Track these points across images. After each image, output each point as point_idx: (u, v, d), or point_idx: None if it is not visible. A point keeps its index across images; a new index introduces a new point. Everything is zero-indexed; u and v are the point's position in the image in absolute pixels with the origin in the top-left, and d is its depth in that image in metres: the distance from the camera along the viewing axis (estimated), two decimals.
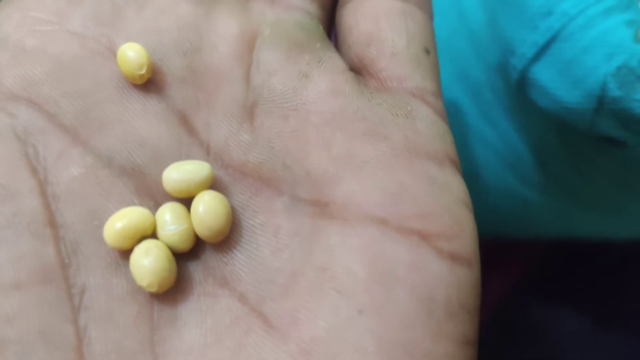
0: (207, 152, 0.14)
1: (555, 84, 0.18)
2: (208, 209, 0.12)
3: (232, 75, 0.14)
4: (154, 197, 0.13)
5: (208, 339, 0.12)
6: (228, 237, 0.13)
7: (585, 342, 0.29)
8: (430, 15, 0.16)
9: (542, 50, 0.19)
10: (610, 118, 0.18)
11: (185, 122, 0.14)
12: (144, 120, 0.13)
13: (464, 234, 0.13)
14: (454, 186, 0.13)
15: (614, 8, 0.18)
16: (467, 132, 0.25)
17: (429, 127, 0.14)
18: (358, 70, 0.15)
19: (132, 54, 0.13)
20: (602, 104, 0.18)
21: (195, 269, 0.13)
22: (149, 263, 0.12)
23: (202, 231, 0.12)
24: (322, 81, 0.14)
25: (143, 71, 0.13)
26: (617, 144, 0.19)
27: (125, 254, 0.13)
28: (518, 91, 0.20)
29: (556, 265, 0.30)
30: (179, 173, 0.13)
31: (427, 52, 0.15)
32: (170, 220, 0.13)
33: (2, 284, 0.11)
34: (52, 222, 0.12)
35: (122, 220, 0.12)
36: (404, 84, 0.14)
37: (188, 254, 0.13)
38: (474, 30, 0.23)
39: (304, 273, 0.12)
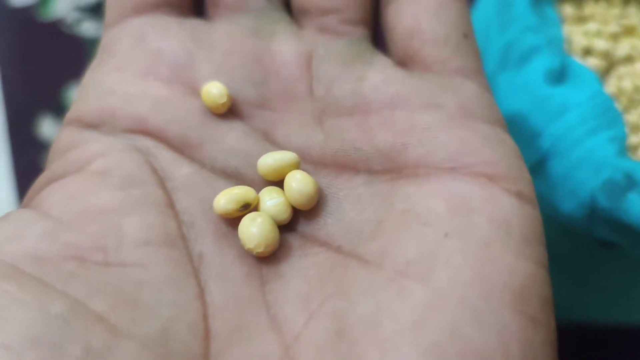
0: None
1: (553, 195, 0.21)
2: (299, 181, 0.15)
3: (298, 93, 0.17)
4: (254, 187, 0.15)
5: (312, 283, 0.14)
6: (318, 209, 0.15)
7: None
8: (465, 3, 0.17)
9: (537, 166, 0.21)
10: (603, 225, 0.20)
11: (267, 137, 0.16)
12: (233, 137, 0.16)
13: (524, 178, 0.14)
14: (508, 141, 0.15)
15: (598, 127, 0.20)
16: None
17: (477, 98, 0.15)
18: (405, 63, 0.17)
19: (214, 89, 0.16)
20: (594, 213, 0.20)
21: (294, 238, 0.15)
22: (255, 229, 0.14)
23: (296, 199, 0.15)
24: (376, 76, 0.16)
25: (224, 100, 0.16)
26: (613, 246, 0.21)
27: (234, 226, 0.15)
28: None
29: (566, 353, 0.31)
30: (272, 159, 0.15)
31: (466, 36, 0.16)
32: (269, 197, 0.15)
33: (135, 240, 0.14)
34: (172, 206, 0.15)
35: (230, 191, 0.15)
36: (448, 65, 0.16)
37: (286, 227, 0.15)
38: None
39: (388, 218, 0.14)
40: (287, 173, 0.15)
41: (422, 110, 0.15)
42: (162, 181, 0.15)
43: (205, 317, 0.13)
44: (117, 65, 0.17)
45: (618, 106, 0.22)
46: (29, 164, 0.34)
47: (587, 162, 0.20)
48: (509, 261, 0.13)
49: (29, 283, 0.12)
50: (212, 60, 0.17)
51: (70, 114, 0.17)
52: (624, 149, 0.21)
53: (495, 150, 0.14)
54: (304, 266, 0.14)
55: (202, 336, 0.13)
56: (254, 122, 0.16)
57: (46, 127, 0.36)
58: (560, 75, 0.21)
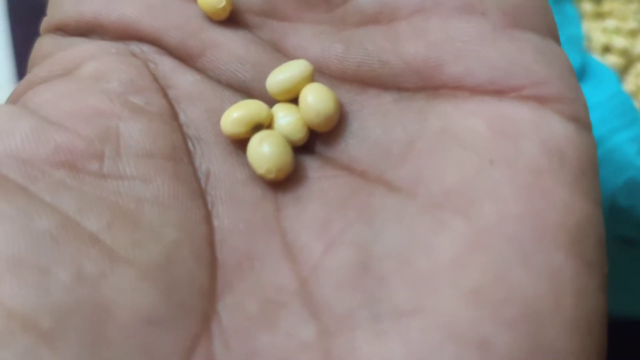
0: None
1: None
2: (316, 98, 0.13)
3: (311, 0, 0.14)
4: (265, 102, 0.14)
5: (331, 208, 0.12)
6: (339, 128, 0.13)
7: None
8: None
9: None
10: (623, 223, 0.20)
11: (277, 47, 0.14)
12: (239, 44, 0.14)
13: (580, 99, 0.12)
14: (562, 56, 0.13)
15: (619, 127, 0.20)
16: None
17: (526, 2, 0.13)
18: None
19: None
20: (615, 211, 0.20)
21: (312, 159, 0.13)
22: (266, 149, 0.12)
23: (312, 119, 0.13)
24: None
25: (224, 3, 0.14)
26: (634, 243, 0.21)
27: (243, 146, 0.13)
28: None
29: None
30: (282, 75, 0.13)
31: None
32: (283, 114, 0.13)
33: (136, 149, 0.12)
34: (176, 117, 0.13)
35: (240, 109, 0.13)
36: None
37: (303, 148, 0.13)
38: None
39: (421, 138, 0.12)
40: (301, 89, 0.13)
41: (461, 18, 0.13)
42: (164, 89, 0.13)
43: (212, 244, 0.12)
44: None
45: (637, 104, 0.22)
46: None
47: (608, 162, 0.20)
48: (563, 196, 0.11)
49: (12, 191, 0.11)
50: None
51: (46, 21, 0.15)
52: None
53: (548, 68, 0.12)
54: (323, 189, 0.12)
55: (208, 264, 0.12)
56: (260, 32, 0.14)
57: None
58: (580, 74, 0.22)
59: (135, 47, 0.14)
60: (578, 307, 0.10)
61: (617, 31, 0.25)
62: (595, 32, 0.24)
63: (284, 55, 0.14)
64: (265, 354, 0.11)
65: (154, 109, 0.13)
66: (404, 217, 0.11)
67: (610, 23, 0.25)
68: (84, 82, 0.13)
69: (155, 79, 0.13)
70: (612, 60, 0.23)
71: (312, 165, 0.13)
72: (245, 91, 0.14)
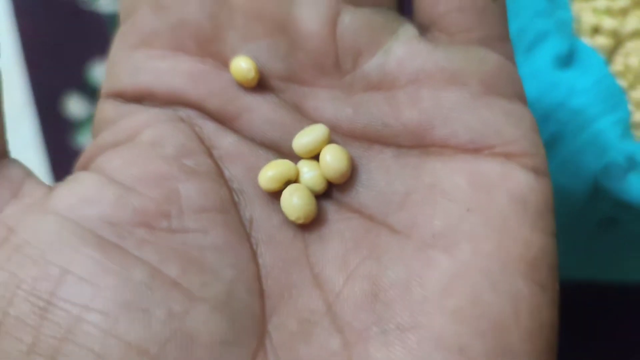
0: None
1: (558, 177, 0.22)
2: (333, 158, 0.15)
3: (326, 66, 0.17)
4: (291, 159, 0.16)
5: (348, 245, 0.15)
6: (351, 179, 0.16)
7: None
8: None
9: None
10: (605, 203, 0.21)
11: (298, 109, 0.17)
12: (267, 109, 0.16)
13: (540, 153, 0.15)
14: (526, 116, 0.16)
15: (603, 111, 0.21)
16: None
17: (499, 70, 0.16)
18: (429, 28, 0.17)
19: (243, 64, 0.16)
20: (597, 192, 0.21)
21: (331, 204, 0.16)
22: (295, 201, 0.15)
23: (330, 174, 0.16)
24: (401, 50, 0.16)
25: (253, 74, 0.16)
26: (615, 221, 0.22)
27: (276, 196, 0.16)
28: None
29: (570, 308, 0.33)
30: (305, 137, 0.16)
31: (494, 0, 0.16)
32: (307, 169, 0.16)
33: (194, 206, 0.15)
34: (222, 174, 0.16)
35: (273, 169, 0.16)
36: (472, 34, 0.16)
37: (323, 195, 0.16)
38: None
39: (416, 191, 0.15)
40: (321, 149, 0.16)
41: (446, 88, 0.16)
42: (209, 150, 0.16)
43: (259, 277, 0.15)
44: (142, 40, 0.17)
45: (624, 83, 0.23)
46: (60, 142, 0.36)
47: (592, 146, 0.21)
48: (524, 234, 0.14)
49: (110, 250, 0.13)
50: (236, 27, 0.17)
51: (106, 89, 0.17)
52: (628, 129, 0.22)
53: (515, 128, 0.15)
54: (341, 229, 0.15)
55: (258, 295, 0.15)
56: (284, 95, 0.17)
57: (73, 106, 0.37)
58: (568, 59, 0.22)
59: (182, 112, 0.16)
60: (533, 319, 0.14)
61: (608, 11, 0.25)
62: (586, 13, 0.25)
63: (304, 116, 0.17)
64: None
65: (203, 168, 0.15)
66: (403, 255, 0.14)
67: (600, 3, 0.25)
68: (144, 148, 0.16)
69: (201, 141, 0.16)
70: (600, 41, 0.24)
71: (330, 209, 0.16)
72: (275, 149, 0.16)
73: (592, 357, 0.32)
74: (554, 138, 0.22)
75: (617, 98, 0.22)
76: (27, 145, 0.37)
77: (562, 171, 0.22)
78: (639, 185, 0.20)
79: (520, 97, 0.16)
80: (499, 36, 0.16)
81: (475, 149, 0.15)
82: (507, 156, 0.15)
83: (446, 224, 0.14)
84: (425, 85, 0.16)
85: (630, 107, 0.23)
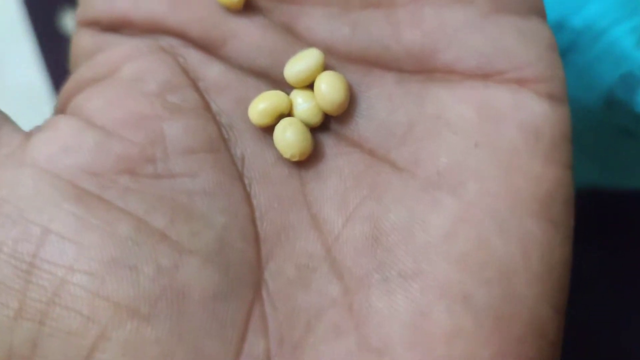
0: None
1: (572, 87, 0.21)
2: (329, 87, 0.14)
3: None
4: (284, 87, 0.15)
5: (347, 183, 0.14)
6: (350, 108, 0.15)
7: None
8: None
9: None
10: (620, 115, 0.21)
11: (289, 30, 0.15)
12: (256, 32, 0.15)
13: (557, 76, 0.14)
14: (543, 34, 0.14)
15: (619, 19, 0.20)
16: None
17: None
18: None
19: None
20: (612, 104, 0.21)
21: (328, 137, 0.15)
22: (289, 137, 0.14)
23: (327, 105, 0.15)
24: None
25: None
26: (631, 134, 0.22)
27: (269, 130, 0.15)
28: None
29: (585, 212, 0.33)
30: (297, 65, 0.15)
31: None
32: (301, 100, 0.15)
33: (180, 147, 0.14)
34: (209, 108, 0.15)
35: (264, 101, 0.15)
36: None
37: (320, 128, 0.15)
38: None
39: (419, 122, 0.14)
40: (315, 76, 0.15)
41: (451, 6, 0.14)
42: (195, 82, 0.15)
43: (253, 221, 0.14)
44: None
45: None
46: (57, 59, 0.35)
47: (607, 56, 0.20)
48: (536, 169, 0.13)
49: (93, 203, 0.13)
50: None
51: (80, 15, 0.16)
52: None
53: (529, 50, 0.14)
54: (339, 165, 0.15)
55: (253, 240, 0.14)
56: (273, 16, 0.15)
57: (70, 22, 0.36)
58: None
59: (164, 41, 0.15)
60: (543, 261, 0.13)
61: None
62: None
63: (296, 37, 0.15)
64: (303, 309, 0.13)
65: (189, 104, 0.15)
66: (406, 196, 0.14)
67: None
68: (125, 85, 0.15)
69: (186, 73, 0.15)
70: None
71: (328, 143, 0.15)
72: (266, 76, 0.15)
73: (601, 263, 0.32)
74: (568, 47, 0.21)
75: (633, 3, 0.20)
76: (24, 62, 0.36)
77: (575, 82, 0.21)
78: None
79: (537, 10, 0.15)
80: None
81: (484, 75, 0.14)
82: (520, 82, 0.14)
83: (452, 160, 0.14)
84: (428, 2, 0.14)
85: None
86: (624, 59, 0.20)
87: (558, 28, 0.21)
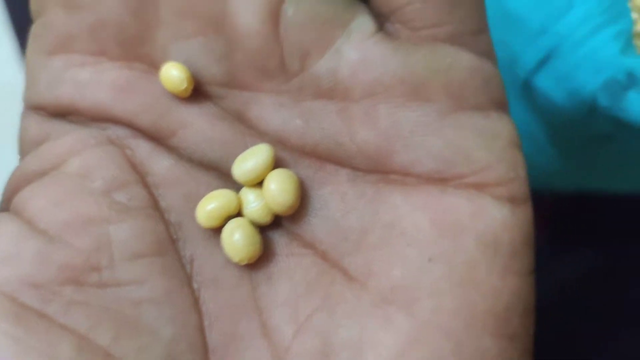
0: (267, 140, 0.15)
1: (554, 92, 0.21)
2: (278, 187, 0.14)
3: (269, 67, 0.14)
4: (233, 183, 0.15)
5: (299, 289, 0.14)
6: (303, 206, 0.14)
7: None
8: None
9: (540, 64, 0.21)
10: (602, 121, 0.21)
11: (241, 118, 0.15)
12: (205, 121, 0.15)
13: (518, 176, 0.13)
14: (503, 131, 0.14)
15: (603, 24, 0.20)
16: None
17: (471, 77, 0.13)
18: (389, 17, 0.14)
19: (174, 71, 0.14)
20: (594, 110, 0.20)
21: (280, 236, 0.14)
22: (237, 240, 0.14)
23: (276, 207, 0.14)
24: (353, 54, 0.14)
25: (185, 85, 0.14)
26: (608, 138, 0.22)
27: (219, 229, 0.14)
28: (522, 91, 0.23)
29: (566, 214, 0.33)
30: (245, 162, 0.14)
31: None
32: (251, 199, 0.14)
33: (127, 253, 0.13)
34: (158, 206, 0.14)
35: (212, 202, 0.14)
36: (440, 30, 0.13)
37: (272, 224, 0.14)
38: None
39: (373, 230, 0.14)
40: (265, 175, 0.14)
41: (407, 105, 0.13)
42: (143, 177, 0.14)
43: (202, 330, 0.14)
44: (57, 44, 0.15)
45: None
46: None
47: (590, 62, 0.20)
48: (494, 283, 0.13)
49: (33, 322, 0.12)
50: (164, 25, 0.14)
51: (27, 101, 0.15)
52: (630, 42, 0.21)
53: (488, 151, 0.13)
54: (291, 267, 0.14)
55: (201, 352, 0.13)
56: (224, 103, 0.15)
57: None
58: None
59: (112, 131, 0.15)
60: None
61: None
62: None
63: (247, 127, 0.15)
64: None
65: (137, 203, 0.14)
66: (358, 311, 0.13)
67: None
68: (71, 182, 0.14)
69: (134, 167, 0.14)
70: None
71: (280, 242, 0.14)
72: (215, 169, 0.15)
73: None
74: (551, 53, 0.21)
75: (618, 7, 0.20)
76: (4, 61, 0.36)
77: (558, 88, 0.21)
78: (638, 103, 0.20)
79: (497, 103, 0.14)
80: (474, 30, 0.13)
81: (441, 179, 0.13)
82: (479, 187, 0.13)
83: (406, 274, 0.13)
84: (382, 100, 0.13)
85: (634, 15, 0.22)
86: (607, 64, 0.20)
87: (541, 33, 0.21)
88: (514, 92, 0.25)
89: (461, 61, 0.13)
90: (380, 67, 0.14)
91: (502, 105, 0.14)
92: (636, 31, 0.21)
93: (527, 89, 0.22)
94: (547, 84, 0.21)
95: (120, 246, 0.13)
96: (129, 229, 0.13)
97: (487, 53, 0.14)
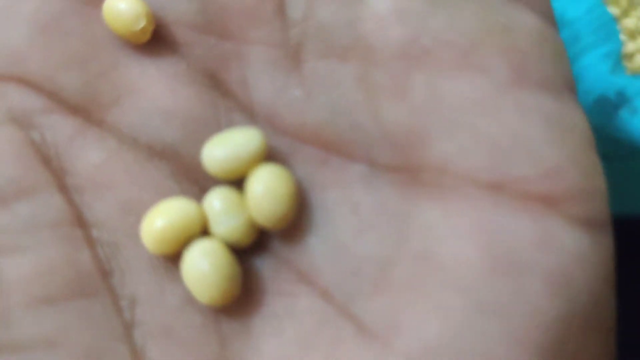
0: (251, 117, 0.11)
1: None
2: (268, 190, 0.10)
3: (262, 10, 0.10)
4: (197, 181, 0.10)
5: (290, 350, 0.10)
6: (298, 220, 0.10)
7: None
8: None
9: None
10: (596, 140, 0.21)
11: (215, 81, 0.11)
12: (165, 86, 0.10)
13: (596, 189, 0.10)
14: (578, 122, 0.10)
15: (593, 43, 0.20)
16: None
17: (537, 43, 0.10)
18: None
19: (122, 5, 0.10)
20: None
21: (264, 263, 0.10)
22: (206, 271, 0.09)
23: (262, 219, 0.10)
24: (383, 2, 0.10)
25: (143, 23, 0.10)
26: (605, 158, 0.22)
27: (175, 257, 0.10)
28: None
29: None
30: (222, 149, 0.10)
31: None
32: (223, 211, 0.10)
33: (30, 299, 0.09)
34: (82, 221, 0.10)
35: (163, 217, 0.10)
36: None
37: (253, 247, 0.10)
38: None
39: (399, 262, 0.10)
40: (248, 170, 0.10)
41: (454, 74, 0.10)
42: (60, 178, 0.10)
43: None
44: None
45: (615, 11, 0.22)
46: None
47: (580, 81, 0.20)
48: (572, 347, 0.09)
49: None
50: None
51: None
52: (619, 62, 0.21)
53: (560, 147, 0.10)
54: (279, 316, 0.10)
55: None
56: (195, 57, 0.11)
57: None
58: None
59: (13, 100, 0.10)
60: None
61: None
62: None
63: (224, 95, 0.11)
64: None
65: (46, 219, 0.10)
66: None
67: None
68: None
69: (47, 161, 0.10)
70: None
71: (265, 273, 0.10)
72: (171, 157, 0.10)
73: None
74: None
75: (608, 28, 0.21)
76: None
77: None
78: (629, 121, 0.20)
79: (567, 84, 0.10)
80: None
81: (494, 183, 0.09)
82: (546, 201, 0.09)
83: (445, 331, 0.09)
84: (420, 66, 0.10)
85: (622, 37, 0.22)
86: (598, 83, 0.20)
87: None
88: None
89: (523, 19, 0.10)
90: (418, 22, 0.10)
91: (573, 89, 0.10)
92: (625, 52, 0.22)
93: None
94: None
95: (19, 289, 0.09)
96: (32, 260, 0.09)
97: (551, 18, 0.11)
